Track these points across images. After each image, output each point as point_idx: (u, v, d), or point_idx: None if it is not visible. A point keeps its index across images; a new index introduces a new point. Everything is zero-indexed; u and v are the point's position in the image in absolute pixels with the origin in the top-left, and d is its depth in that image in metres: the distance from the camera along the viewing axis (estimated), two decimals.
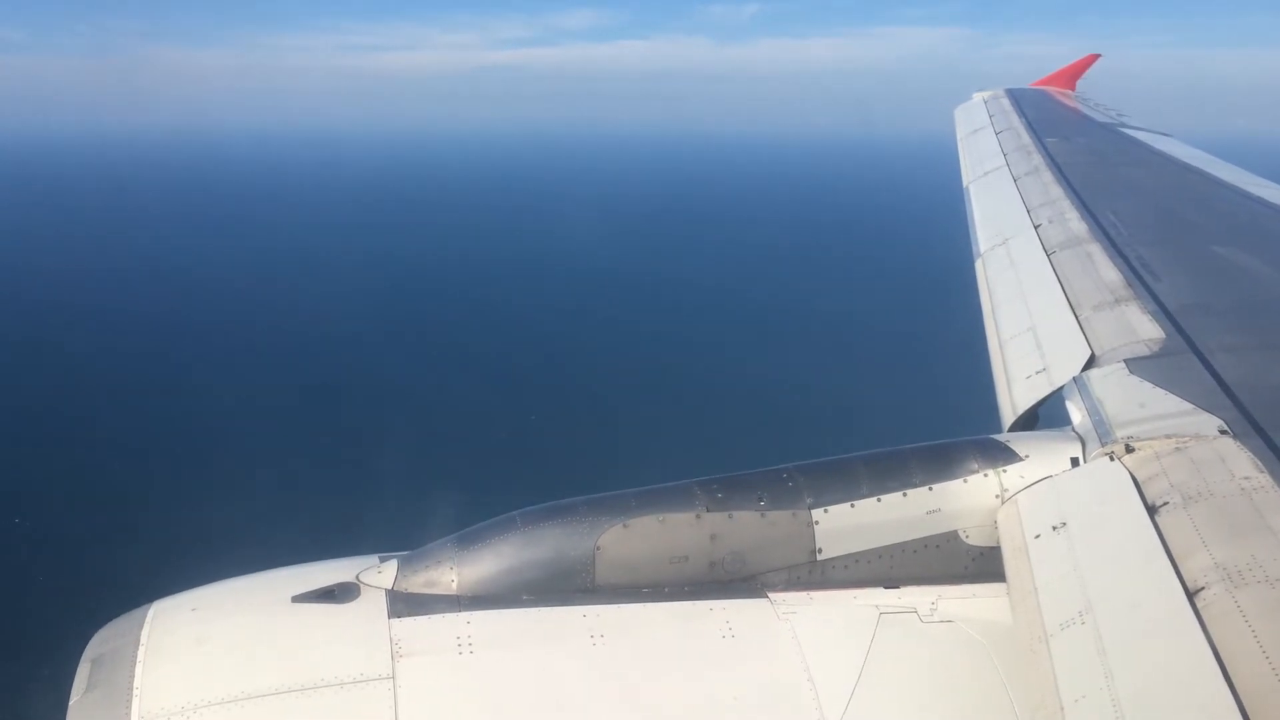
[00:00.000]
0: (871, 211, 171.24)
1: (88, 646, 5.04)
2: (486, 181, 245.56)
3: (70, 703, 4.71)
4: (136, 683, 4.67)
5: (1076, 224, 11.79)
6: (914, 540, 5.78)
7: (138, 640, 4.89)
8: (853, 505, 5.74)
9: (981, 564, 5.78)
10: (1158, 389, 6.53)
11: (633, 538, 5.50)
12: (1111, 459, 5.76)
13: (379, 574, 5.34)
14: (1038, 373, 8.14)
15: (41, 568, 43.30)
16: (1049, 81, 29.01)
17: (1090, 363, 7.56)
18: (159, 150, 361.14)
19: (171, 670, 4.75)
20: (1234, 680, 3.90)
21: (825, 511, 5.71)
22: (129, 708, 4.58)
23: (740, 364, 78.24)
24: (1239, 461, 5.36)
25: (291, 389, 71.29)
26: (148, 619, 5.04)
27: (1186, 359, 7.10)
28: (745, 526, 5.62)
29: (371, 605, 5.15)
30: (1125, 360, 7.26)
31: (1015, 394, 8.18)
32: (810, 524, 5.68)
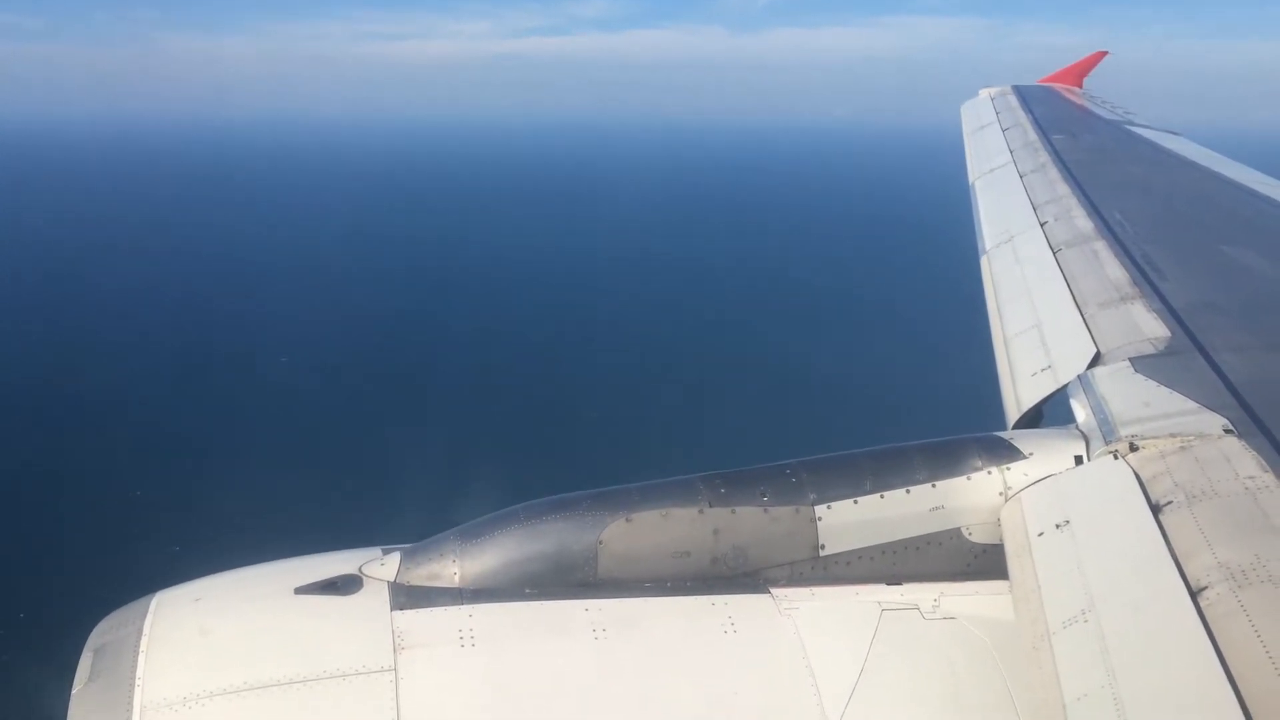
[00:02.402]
0: (878, 205, 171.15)
1: (90, 636, 5.04)
2: (500, 170, 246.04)
3: (73, 692, 4.71)
4: (139, 672, 4.68)
5: (1083, 222, 11.76)
6: (917, 537, 5.76)
7: (140, 630, 4.89)
8: (856, 501, 5.72)
9: (984, 561, 5.77)
10: (1163, 388, 6.51)
11: (635, 532, 5.49)
12: (1115, 457, 5.74)
13: (381, 566, 5.34)
14: (1042, 370, 8.12)
15: (45, 558, 43.43)
16: (1056, 79, 28.94)
17: (1095, 361, 7.54)
18: (174, 138, 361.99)
19: (174, 660, 4.76)
20: (1237, 680, 3.89)
21: (828, 507, 5.69)
22: (131, 697, 4.58)
23: (743, 358, 78.24)
24: (1243, 461, 5.35)
25: (298, 378, 71.42)
26: (151, 609, 5.04)
27: (1192, 358, 7.08)
28: (748, 522, 5.61)
29: (374, 597, 5.15)
30: (1130, 359, 7.24)
31: (1020, 391, 8.16)
32: (813, 520, 5.67)
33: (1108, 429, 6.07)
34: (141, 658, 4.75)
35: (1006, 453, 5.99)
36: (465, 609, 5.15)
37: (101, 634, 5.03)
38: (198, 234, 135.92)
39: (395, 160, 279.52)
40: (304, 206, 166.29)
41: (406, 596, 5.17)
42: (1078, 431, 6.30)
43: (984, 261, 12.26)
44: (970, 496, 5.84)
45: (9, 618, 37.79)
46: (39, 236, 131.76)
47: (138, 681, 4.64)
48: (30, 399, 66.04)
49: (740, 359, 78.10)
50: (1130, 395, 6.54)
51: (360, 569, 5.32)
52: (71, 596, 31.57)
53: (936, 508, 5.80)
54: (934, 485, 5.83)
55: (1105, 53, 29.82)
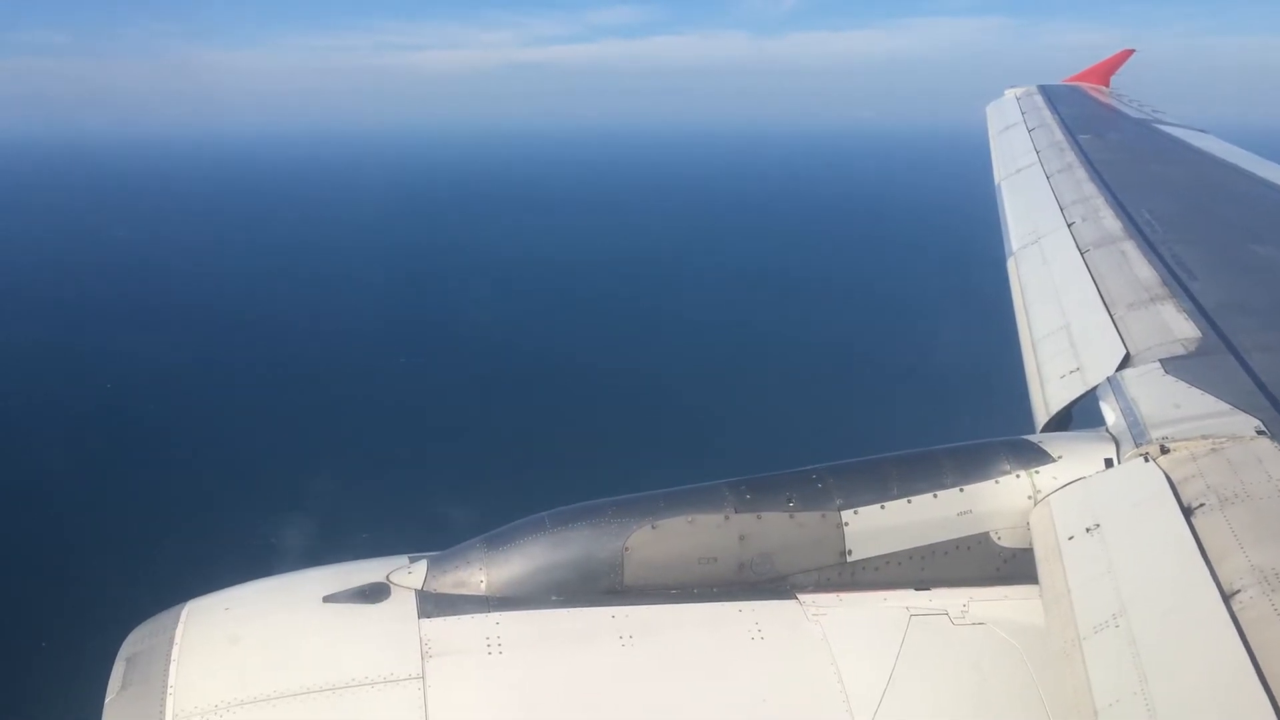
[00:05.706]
0: (904, 207, 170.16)
1: (123, 645, 5.10)
2: (526, 178, 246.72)
3: (106, 700, 4.77)
4: (171, 681, 4.73)
5: (1111, 222, 11.66)
6: (945, 542, 5.73)
7: (172, 639, 4.94)
8: (883, 506, 5.70)
9: (1013, 566, 5.73)
10: (1193, 389, 6.44)
11: (661, 539, 5.49)
12: (1146, 460, 5.68)
13: (409, 574, 5.37)
14: (1071, 372, 8.05)
15: (77, 567, 43.91)
16: (1083, 78, 28.72)
17: (1125, 362, 7.47)
18: (200, 152, 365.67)
19: (205, 668, 4.80)
20: (1270, 684, 3.84)
21: (855, 513, 5.67)
22: (163, 705, 4.63)
23: (767, 361, 78.05)
24: (1277, 463, 5.27)
25: (330, 387, 71.87)
26: (182, 618, 5.10)
27: (1223, 359, 7.00)
28: (774, 528, 5.60)
29: (401, 605, 5.18)
30: (1160, 360, 7.17)
31: (1048, 394, 8.10)
32: (840, 525, 5.64)
33: (1138, 431, 6.01)
34: (173, 666, 4.79)
35: (1035, 456, 5.94)
36: (492, 616, 5.16)
37: (133, 643, 5.08)
38: (229, 246, 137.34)
39: (419, 169, 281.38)
40: (331, 217, 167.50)
41: (434, 604, 5.19)
42: (1108, 434, 6.24)
43: (1011, 263, 12.18)
44: (999, 500, 5.80)
45: (43, 630, 38.25)
46: (67, 249, 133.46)
47: (170, 690, 4.69)
48: (50, 409, 66.83)
49: (763, 362, 77.89)
50: (1161, 397, 6.48)
51: (388, 577, 5.35)
52: (101, 607, 31.86)
53: (964, 512, 5.76)
54: (962, 489, 5.79)
55: (1132, 50, 29.54)
